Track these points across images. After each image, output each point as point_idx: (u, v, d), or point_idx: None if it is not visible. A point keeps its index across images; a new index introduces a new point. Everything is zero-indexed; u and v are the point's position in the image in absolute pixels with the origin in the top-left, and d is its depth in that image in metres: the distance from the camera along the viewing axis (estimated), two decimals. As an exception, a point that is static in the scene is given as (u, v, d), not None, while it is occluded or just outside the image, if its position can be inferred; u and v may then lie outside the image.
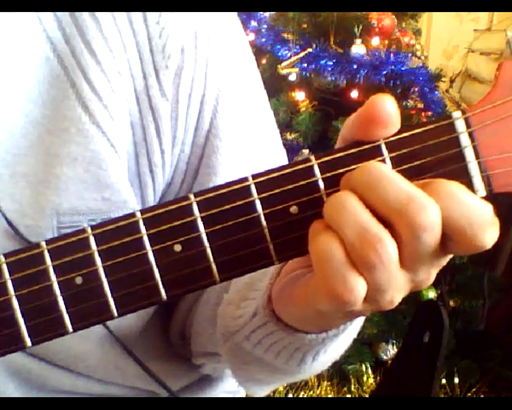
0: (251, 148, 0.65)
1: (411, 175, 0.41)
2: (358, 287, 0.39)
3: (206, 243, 0.42)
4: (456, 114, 0.41)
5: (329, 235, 0.40)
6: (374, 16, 2.02)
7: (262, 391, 0.67)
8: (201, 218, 0.42)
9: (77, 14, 0.57)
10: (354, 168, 0.42)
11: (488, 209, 0.39)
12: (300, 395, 1.97)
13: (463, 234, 0.39)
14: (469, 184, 0.41)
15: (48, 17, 0.57)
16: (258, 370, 0.59)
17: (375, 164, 0.41)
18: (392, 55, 1.98)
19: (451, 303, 2.06)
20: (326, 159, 0.42)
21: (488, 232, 0.39)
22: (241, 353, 0.58)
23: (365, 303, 0.41)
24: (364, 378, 2.00)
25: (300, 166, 0.42)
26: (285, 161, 0.70)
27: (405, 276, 0.41)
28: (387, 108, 0.41)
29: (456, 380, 1.99)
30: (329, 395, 1.98)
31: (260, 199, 0.42)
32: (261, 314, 0.52)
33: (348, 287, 0.39)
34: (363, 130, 0.41)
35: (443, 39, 3.00)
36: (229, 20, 0.65)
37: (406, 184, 0.40)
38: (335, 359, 0.57)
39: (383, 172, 0.40)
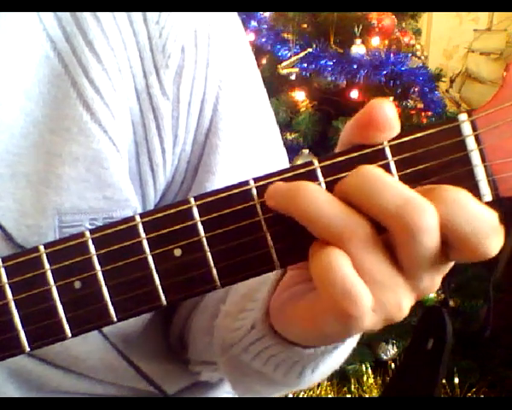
0: (251, 147, 0.65)
1: (416, 179, 0.40)
2: (364, 297, 0.39)
3: (207, 248, 0.42)
4: (463, 116, 0.40)
5: (329, 249, 0.39)
6: (374, 16, 2.02)
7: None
8: (202, 222, 0.42)
9: (77, 12, 0.57)
10: None
11: (493, 217, 0.38)
12: (300, 395, 1.96)
13: (468, 242, 0.38)
14: (475, 189, 0.40)
15: (48, 15, 0.57)
16: (257, 382, 0.58)
17: (367, 168, 0.39)
18: (392, 55, 1.98)
19: (451, 303, 2.06)
20: (329, 162, 0.41)
21: (493, 241, 0.38)
22: (240, 365, 0.57)
23: (373, 314, 0.41)
24: (364, 378, 2.00)
25: (303, 170, 0.41)
26: (285, 161, 0.69)
27: (408, 283, 0.40)
28: (387, 112, 0.40)
29: (456, 380, 2.00)
30: (329, 395, 1.98)
31: (261, 203, 0.41)
32: (259, 328, 0.51)
33: (353, 299, 0.38)
34: (363, 134, 0.41)
35: (443, 39, 3.00)
36: (229, 19, 0.65)
37: (401, 186, 0.39)
38: (336, 368, 0.57)
39: (376, 175, 0.39)
